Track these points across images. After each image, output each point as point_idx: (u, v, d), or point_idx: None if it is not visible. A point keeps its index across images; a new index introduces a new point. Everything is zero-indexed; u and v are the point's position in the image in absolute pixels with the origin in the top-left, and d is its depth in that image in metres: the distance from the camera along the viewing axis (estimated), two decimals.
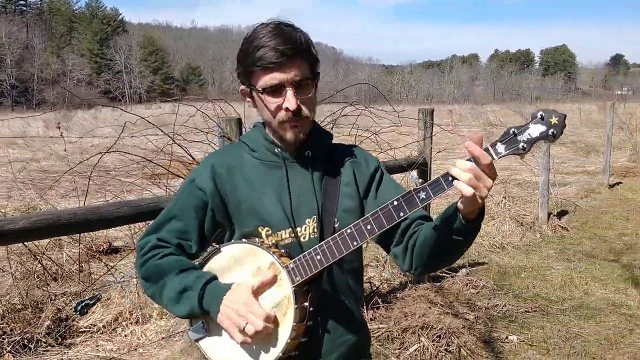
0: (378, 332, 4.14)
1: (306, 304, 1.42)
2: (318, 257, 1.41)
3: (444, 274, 5.60)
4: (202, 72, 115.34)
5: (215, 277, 1.46)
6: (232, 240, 1.52)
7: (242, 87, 1.55)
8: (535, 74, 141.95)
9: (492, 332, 4.36)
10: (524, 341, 4.25)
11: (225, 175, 1.54)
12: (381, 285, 5.07)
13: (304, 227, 1.53)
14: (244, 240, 1.49)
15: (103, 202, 4.15)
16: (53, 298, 4.24)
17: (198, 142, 3.64)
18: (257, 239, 1.49)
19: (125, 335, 4.13)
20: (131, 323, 4.24)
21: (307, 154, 1.57)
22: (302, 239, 1.52)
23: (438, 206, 6.25)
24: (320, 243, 1.42)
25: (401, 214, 1.38)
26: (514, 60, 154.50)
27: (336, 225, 1.53)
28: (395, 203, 1.38)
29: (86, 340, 4.04)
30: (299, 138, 1.51)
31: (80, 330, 4.12)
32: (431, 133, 5.08)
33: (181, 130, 3.84)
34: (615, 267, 6.06)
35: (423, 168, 5.01)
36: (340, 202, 1.56)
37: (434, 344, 3.92)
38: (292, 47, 1.43)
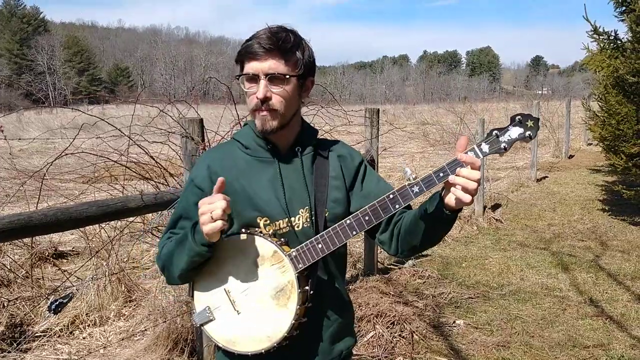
0: None
1: (307, 287, 1.57)
2: (320, 245, 1.56)
3: (391, 266, 5.86)
4: (131, 74, 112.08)
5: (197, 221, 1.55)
6: (234, 231, 1.62)
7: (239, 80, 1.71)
8: (463, 75, 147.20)
9: (441, 318, 4.63)
10: (470, 324, 4.54)
11: (221, 172, 1.64)
12: None
13: (297, 217, 1.66)
14: (244, 230, 1.60)
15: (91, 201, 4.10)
16: (6, 304, 4.15)
17: (159, 142, 3.68)
18: (257, 229, 1.61)
19: (84, 338, 4.10)
20: (89, 325, 4.21)
21: (297, 150, 1.71)
22: (296, 228, 1.66)
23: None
24: (322, 233, 1.57)
25: (397, 206, 1.54)
26: (442, 61, 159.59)
27: (326, 215, 1.68)
28: (392, 196, 1.54)
29: (43, 345, 3.99)
30: (266, 127, 1.61)
31: (36, 334, 4.06)
32: (377, 131, 5.31)
33: (137, 131, 3.86)
34: (546, 255, 6.51)
35: (371, 164, 5.23)
36: (330, 193, 1.71)
37: (388, 331, 4.13)
38: (273, 43, 1.58)
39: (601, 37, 7.78)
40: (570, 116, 15.72)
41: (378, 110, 5.41)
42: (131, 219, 3.89)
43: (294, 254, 1.55)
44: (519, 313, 4.78)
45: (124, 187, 3.97)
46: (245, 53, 1.59)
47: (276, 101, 1.59)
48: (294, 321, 1.53)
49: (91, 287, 4.36)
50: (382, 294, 4.83)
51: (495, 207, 8.85)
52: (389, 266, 5.86)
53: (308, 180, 1.69)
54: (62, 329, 4.13)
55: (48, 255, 5.80)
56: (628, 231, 7.52)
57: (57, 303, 2.50)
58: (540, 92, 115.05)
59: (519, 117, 1.51)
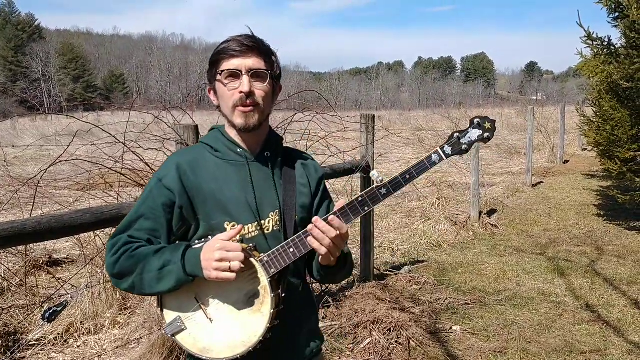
0: (331, 329, 4.30)
1: (279, 291, 1.59)
2: (291, 249, 1.57)
3: (387, 272, 5.85)
4: (127, 80, 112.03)
5: (189, 245, 1.56)
6: (202, 240, 1.59)
7: (210, 85, 1.72)
8: (457, 81, 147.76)
9: (437, 324, 4.62)
10: (466, 330, 4.53)
11: (190, 173, 1.65)
12: (331, 285, 5.23)
13: (267, 220, 1.68)
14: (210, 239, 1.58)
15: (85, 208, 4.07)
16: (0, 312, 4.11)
17: (154, 149, 3.67)
18: None
19: (78, 346, 4.06)
20: (83, 333, 4.18)
21: (267, 154, 1.73)
22: (266, 231, 1.67)
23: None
24: (293, 237, 1.59)
25: (366, 208, 1.58)
26: (437, 67, 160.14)
27: (296, 219, 1.71)
28: (360, 199, 1.58)
29: (37, 354, 3.95)
30: (249, 124, 1.64)
31: (30, 343, 4.02)
32: (373, 137, 5.31)
33: (131, 138, 3.85)
34: (542, 260, 6.51)
35: (367, 170, 5.23)
36: (298, 199, 1.74)
37: (385, 337, 4.12)
38: (253, 41, 1.64)
39: (595, 42, 7.81)
40: (565, 122, 15.79)
41: (373, 116, 5.41)
42: None
43: (265, 259, 1.56)
44: (516, 319, 4.77)
45: (118, 194, 3.95)
46: (225, 52, 1.63)
47: (259, 96, 1.64)
48: (268, 325, 1.53)
49: (86, 294, 4.33)
50: (379, 300, 4.81)
51: (491, 212, 8.86)
52: (385, 272, 5.85)
53: (277, 184, 1.72)
54: (56, 337, 4.10)
55: (42, 263, 5.76)
56: (623, 236, 7.53)
57: (51, 311, 2.47)
58: (534, 97, 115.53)
59: (478, 119, 1.63)
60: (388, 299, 4.87)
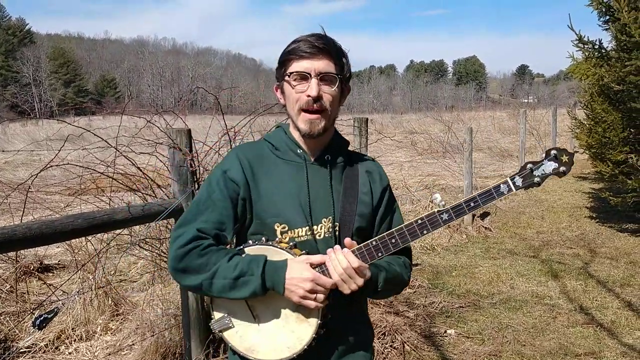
0: None
1: (328, 301, 1.55)
2: None
3: None
4: (118, 85, 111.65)
5: (266, 257, 1.53)
6: (252, 242, 1.60)
7: (277, 83, 1.70)
8: (449, 84, 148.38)
9: (432, 328, 4.61)
10: (461, 334, 4.52)
11: (249, 168, 1.64)
12: None
13: (319, 225, 1.64)
14: (264, 241, 1.59)
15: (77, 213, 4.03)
16: None
17: (146, 154, 3.64)
18: (277, 240, 1.59)
19: (70, 353, 4.01)
20: (74, 340, 4.12)
21: (327, 158, 1.69)
22: (317, 236, 1.64)
23: None
24: (353, 249, 1.55)
25: (424, 231, 1.56)
26: (429, 70, 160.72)
27: (355, 227, 1.66)
28: (420, 222, 1.55)
29: None
30: (314, 131, 1.61)
31: (21, 350, 3.97)
32: (366, 141, 5.29)
33: (123, 142, 3.81)
34: (535, 263, 6.52)
35: None
36: (358, 207, 1.69)
37: (379, 342, 4.10)
38: (324, 42, 1.60)
39: (586, 46, 7.85)
40: (557, 124, 15.86)
41: (367, 119, 5.39)
42: (118, 231, 3.83)
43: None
44: (510, 322, 4.76)
45: (110, 199, 3.92)
46: (294, 53, 1.60)
47: (326, 100, 1.60)
48: (314, 335, 1.54)
49: (77, 301, 4.28)
50: (373, 304, 4.78)
51: (484, 215, 8.87)
52: None
53: (334, 190, 1.68)
54: (47, 344, 4.05)
55: (33, 269, 5.70)
56: (616, 238, 7.56)
57: (41, 318, 2.44)
58: (526, 100, 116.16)
59: (554, 151, 1.55)
60: (382, 303, 4.84)
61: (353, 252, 1.55)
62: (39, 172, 3.20)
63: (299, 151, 1.68)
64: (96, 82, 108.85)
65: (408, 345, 4.17)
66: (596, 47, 7.85)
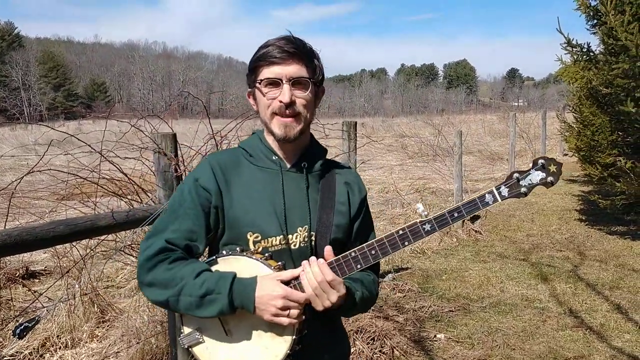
0: None
1: (304, 316, 1.49)
2: None
3: None
4: (108, 89, 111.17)
5: (235, 274, 1.47)
6: (225, 253, 1.54)
7: (249, 90, 1.65)
8: (440, 87, 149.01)
9: (421, 332, 4.58)
10: (450, 338, 4.50)
11: (222, 175, 1.59)
12: None
13: (295, 235, 1.59)
14: (239, 251, 1.53)
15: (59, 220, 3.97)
16: None
17: (132, 158, 3.59)
18: (251, 251, 1.53)
19: None
20: (60, 348, 4.06)
21: (304, 165, 1.65)
22: (292, 246, 1.59)
23: None
24: (330, 260, 1.50)
25: (406, 242, 1.50)
26: (420, 74, 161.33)
27: (331, 238, 1.61)
28: (401, 232, 1.50)
29: None
30: (289, 135, 1.56)
31: (4, 358, 3.90)
32: (355, 145, 5.27)
33: (109, 147, 3.76)
34: (525, 266, 6.52)
35: None
36: (334, 217, 1.64)
37: (368, 347, 4.07)
38: (294, 46, 1.55)
39: (574, 49, 7.88)
40: (546, 127, 15.94)
41: (355, 123, 5.37)
42: (103, 237, 3.78)
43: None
44: (500, 325, 4.75)
45: (95, 205, 3.86)
46: (264, 59, 1.55)
47: (300, 105, 1.56)
48: (289, 351, 1.48)
49: (62, 308, 4.22)
50: None
51: (474, 219, 8.86)
52: None
53: (311, 199, 1.63)
54: (31, 352, 3.98)
55: (18, 276, 5.62)
56: (605, 240, 7.58)
57: (22, 327, 2.37)
58: (516, 104, 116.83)
59: (542, 161, 1.50)
60: (372, 308, 4.81)
61: (331, 263, 1.49)
62: (23, 177, 3.15)
63: (274, 158, 1.64)
64: (86, 86, 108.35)
65: (397, 350, 4.15)
66: (584, 50, 7.88)
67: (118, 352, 3.96)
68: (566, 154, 17.18)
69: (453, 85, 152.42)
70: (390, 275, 5.99)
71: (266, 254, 1.54)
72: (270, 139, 1.65)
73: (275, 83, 1.55)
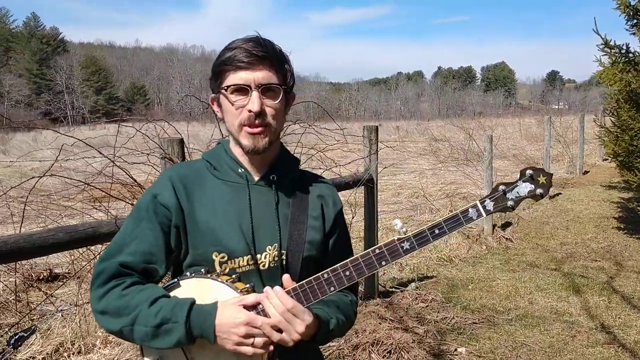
0: (329, 350, 4.11)
1: (271, 345, 1.36)
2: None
3: (393, 289, 5.64)
4: (148, 92, 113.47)
5: (193, 301, 1.35)
6: (189, 275, 1.42)
7: (212, 95, 1.52)
8: (478, 90, 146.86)
9: (442, 345, 4.40)
10: (472, 353, 4.31)
11: (183, 191, 1.47)
12: None
13: (264, 254, 1.47)
14: (203, 273, 1.41)
15: (42, 227, 3.98)
16: None
17: (139, 163, 3.55)
18: (216, 273, 1.41)
19: None
20: (73, 353, 4.04)
21: (272, 178, 1.52)
22: (261, 266, 1.46)
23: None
24: (295, 286, 1.37)
25: (383, 262, 1.37)
26: (457, 77, 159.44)
27: (304, 256, 1.50)
28: (378, 251, 1.37)
29: None
30: (258, 147, 1.44)
31: None
32: (376, 149, 5.14)
33: (122, 151, 3.74)
34: (557, 276, 6.25)
35: (369, 185, 5.05)
36: (307, 233, 1.52)
37: None
38: (263, 50, 1.42)
39: (612, 50, 7.55)
40: (585, 131, 15.41)
41: (377, 127, 5.24)
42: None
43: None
44: (526, 340, 4.52)
45: (107, 210, 3.84)
46: (230, 63, 1.41)
47: (270, 114, 1.43)
48: None
49: (77, 312, 4.21)
50: (381, 319, 4.61)
51: (505, 225, 8.60)
52: (390, 289, 5.65)
53: (281, 214, 1.50)
54: (45, 357, 3.98)
55: (42, 278, 5.67)
56: None
57: (17, 337, 2.35)
58: (556, 106, 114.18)
59: (530, 171, 1.39)
60: (390, 318, 4.67)
61: (296, 289, 1.36)
62: (22, 182, 3.14)
63: (240, 170, 1.51)
64: (126, 90, 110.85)
65: None
66: (623, 51, 7.54)
67: (130, 358, 3.93)
68: (605, 159, 16.56)
69: (491, 88, 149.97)
70: (413, 284, 5.82)
71: (233, 276, 1.40)
72: (237, 151, 1.52)
73: (243, 90, 1.42)
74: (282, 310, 1.31)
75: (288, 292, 1.36)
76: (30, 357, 3.98)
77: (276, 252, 1.47)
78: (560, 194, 11.74)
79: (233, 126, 1.46)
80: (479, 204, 1.38)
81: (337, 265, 1.38)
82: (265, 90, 1.42)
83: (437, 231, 1.35)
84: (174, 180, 1.48)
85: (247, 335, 1.30)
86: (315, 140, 4.94)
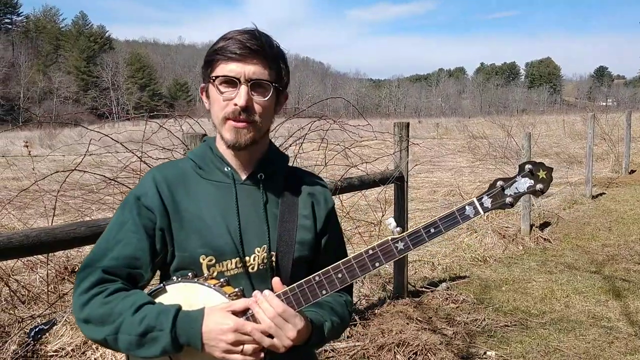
0: (354, 350, 4.06)
1: (262, 353, 1.31)
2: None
3: (423, 289, 5.53)
4: (190, 89, 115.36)
5: (179, 308, 1.30)
6: (176, 279, 1.37)
7: (202, 84, 1.48)
8: (521, 87, 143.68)
9: (470, 348, 4.28)
10: (502, 357, 4.17)
11: (168, 192, 1.42)
12: (359, 302, 4.99)
13: (252, 256, 1.42)
14: (191, 277, 1.36)
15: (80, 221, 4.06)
16: (20, 321, 4.11)
17: (165, 159, 3.57)
18: (204, 277, 1.36)
19: (96, 359, 4.00)
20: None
21: (260, 176, 1.47)
22: (250, 269, 1.41)
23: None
24: (285, 290, 1.31)
25: (377, 264, 1.31)
26: (500, 73, 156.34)
27: (295, 257, 1.45)
28: (371, 252, 1.31)
29: None
30: (240, 141, 1.38)
31: (48, 354, 3.98)
32: (407, 146, 5.04)
33: (148, 147, 3.77)
34: (596, 279, 6.01)
35: (398, 183, 4.96)
36: (297, 234, 1.46)
37: None
38: (257, 44, 1.36)
39: None
40: (633, 129, 14.85)
41: (408, 124, 5.15)
42: None
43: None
44: (559, 345, 4.36)
45: None
46: (222, 53, 1.37)
47: (256, 111, 1.38)
48: None
49: None
50: (409, 319, 4.53)
51: (544, 225, 8.34)
52: (420, 289, 5.54)
53: (270, 214, 1.45)
54: (74, 349, 4.04)
55: (75, 271, 5.79)
56: None
57: (37, 329, 2.39)
58: (604, 103, 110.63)
59: (529, 166, 1.32)
60: (419, 318, 4.57)
61: (286, 293, 1.30)
62: (44, 177, 3.19)
63: (226, 169, 1.45)
64: (169, 86, 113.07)
65: None
66: None
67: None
68: None
69: (535, 84, 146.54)
70: (444, 284, 5.70)
71: (222, 280, 1.35)
72: (222, 147, 1.46)
73: (231, 82, 1.36)
74: (272, 315, 1.25)
75: (278, 296, 1.30)
76: (60, 348, 4.05)
77: (265, 254, 1.42)
78: (604, 193, 11.35)
79: (217, 118, 1.40)
80: (476, 201, 1.31)
81: (329, 267, 1.32)
82: (255, 85, 1.37)
83: (432, 230, 1.28)
84: (158, 181, 1.43)
85: (236, 342, 1.24)
86: (347, 136, 4.89)
